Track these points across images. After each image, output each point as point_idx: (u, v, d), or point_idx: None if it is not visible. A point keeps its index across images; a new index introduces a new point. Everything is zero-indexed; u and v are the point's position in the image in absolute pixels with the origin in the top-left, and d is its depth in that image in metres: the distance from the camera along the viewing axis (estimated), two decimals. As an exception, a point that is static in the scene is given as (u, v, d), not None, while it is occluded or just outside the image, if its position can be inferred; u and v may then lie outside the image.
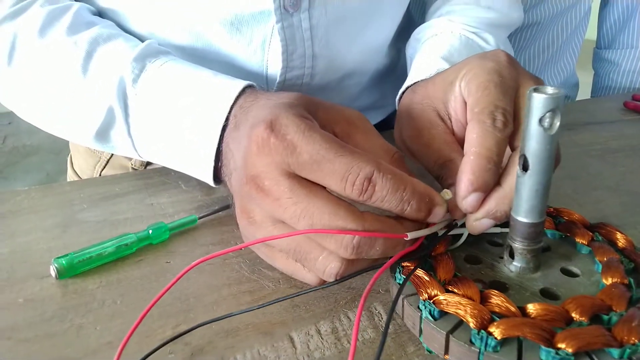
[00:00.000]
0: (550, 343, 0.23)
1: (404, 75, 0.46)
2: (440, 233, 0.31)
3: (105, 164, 0.61)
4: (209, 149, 0.35)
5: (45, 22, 0.42)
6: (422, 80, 0.40)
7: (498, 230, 0.31)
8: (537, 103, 0.24)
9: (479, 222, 0.29)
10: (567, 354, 0.22)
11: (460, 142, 0.34)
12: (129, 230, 0.39)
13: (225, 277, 0.35)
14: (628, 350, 0.22)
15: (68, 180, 0.68)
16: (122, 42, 0.42)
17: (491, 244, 0.31)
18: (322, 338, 0.30)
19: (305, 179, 0.28)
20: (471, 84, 0.32)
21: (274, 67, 0.47)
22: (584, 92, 0.92)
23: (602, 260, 0.28)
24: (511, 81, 0.32)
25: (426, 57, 0.44)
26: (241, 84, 0.36)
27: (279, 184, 0.28)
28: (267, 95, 0.34)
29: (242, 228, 0.32)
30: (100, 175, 0.62)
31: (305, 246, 0.28)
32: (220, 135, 0.35)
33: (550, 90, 0.24)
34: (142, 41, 0.44)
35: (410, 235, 0.28)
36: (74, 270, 0.35)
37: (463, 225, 0.31)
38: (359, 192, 0.27)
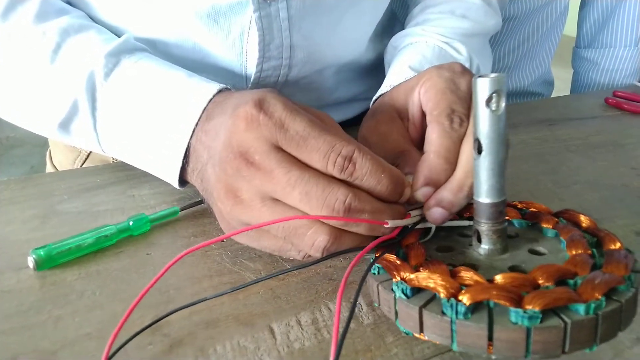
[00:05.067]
0: (519, 304, 0.23)
1: None
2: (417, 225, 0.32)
3: (86, 159, 0.60)
4: (179, 144, 0.35)
5: (8, 5, 0.41)
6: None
7: (466, 223, 0.32)
8: (482, 86, 0.26)
9: (431, 210, 0.31)
10: (534, 312, 0.23)
11: (414, 142, 0.37)
12: (109, 221, 0.38)
13: (207, 269, 0.35)
14: (593, 305, 0.23)
15: (49, 172, 0.67)
16: (95, 35, 0.41)
17: (462, 235, 0.32)
18: (302, 329, 0.30)
19: (292, 155, 0.29)
20: (430, 91, 0.35)
21: (253, 58, 0.47)
22: (564, 89, 0.94)
23: (565, 239, 0.29)
24: (466, 88, 0.35)
25: (399, 66, 0.46)
26: (217, 85, 0.36)
27: (269, 157, 0.28)
28: (241, 91, 0.35)
29: (226, 213, 0.31)
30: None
31: (294, 221, 0.29)
32: (193, 130, 0.35)
33: (492, 74, 0.26)
34: (114, 33, 0.43)
35: (390, 224, 0.29)
36: (53, 261, 0.34)
37: None
38: (340, 169, 0.28)
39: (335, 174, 0.28)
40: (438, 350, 0.28)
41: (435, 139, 0.32)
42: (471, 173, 0.29)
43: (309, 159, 0.28)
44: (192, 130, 0.35)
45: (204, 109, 0.35)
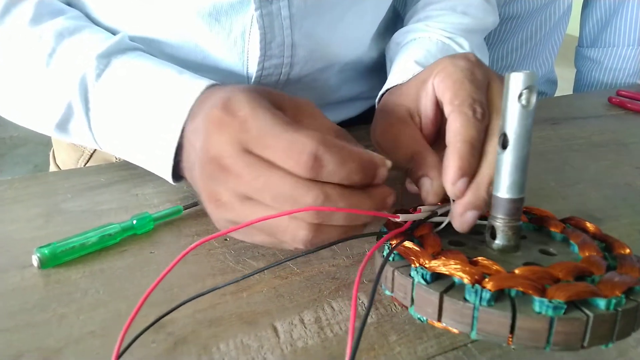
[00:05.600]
0: (543, 295, 0.23)
1: None
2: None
3: (89, 158, 0.60)
4: (170, 144, 0.35)
5: (4, 9, 0.41)
6: (399, 84, 0.42)
7: (477, 221, 0.32)
8: (515, 81, 0.26)
9: (464, 216, 0.30)
10: (560, 302, 0.23)
11: (428, 139, 0.36)
12: (113, 220, 0.38)
13: (210, 267, 0.35)
14: (614, 301, 0.23)
15: (53, 171, 0.67)
16: (88, 36, 0.41)
17: (472, 233, 0.32)
18: (305, 327, 0.30)
19: (261, 156, 0.28)
20: (446, 80, 0.33)
21: (254, 57, 0.47)
22: (568, 88, 0.93)
23: (576, 242, 0.29)
24: (482, 78, 0.34)
25: (404, 61, 0.46)
26: (204, 82, 0.36)
27: (237, 160, 0.28)
28: (225, 86, 0.34)
29: (211, 214, 0.32)
30: None
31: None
32: (182, 129, 0.35)
33: (525, 71, 0.26)
34: (114, 34, 0.43)
35: (402, 218, 0.29)
36: (57, 260, 0.34)
37: (445, 214, 0.32)
38: (305, 169, 0.27)
39: (303, 174, 0.27)
40: (442, 349, 0.28)
41: (458, 128, 0.31)
42: None
43: (274, 160, 0.28)
44: (180, 129, 0.35)
45: (191, 108, 0.35)
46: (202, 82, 0.36)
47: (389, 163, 0.29)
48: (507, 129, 0.27)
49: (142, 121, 0.37)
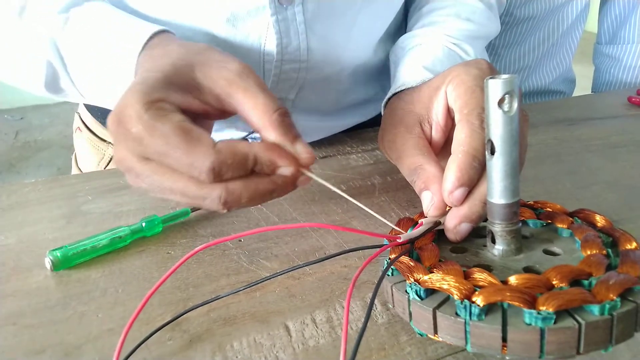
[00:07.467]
0: (532, 306, 0.23)
1: None
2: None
3: (109, 161, 0.62)
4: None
5: None
6: (408, 88, 0.42)
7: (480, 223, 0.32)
8: (494, 87, 0.26)
9: (458, 228, 0.30)
10: (548, 314, 0.23)
11: (438, 147, 0.36)
12: (132, 221, 0.40)
13: (224, 268, 0.36)
14: (607, 306, 0.23)
15: (75, 174, 0.69)
16: None
17: (477, 236, 0.32)
18: (317, 327, 0.30)
19: None
20: (459, 88, 0.34)
21: (271, 61, 0.47)
22: (589, 86, 0.92)
23: (580, 239, 0.29)
24: None
25: (411, 66, 0.46)
26: (151, 29, 0.37)
27: (141, 168, 0.30)
28: (162, 51, 0.35)
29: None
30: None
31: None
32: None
33: (505, 76, 0.26)
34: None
35: (403, 237, 0.30)
36: (69, 262, 0.35)
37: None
38: (206, 180, 0.28)
39: (205, 182, 0.29)
40: (452, 350, 0.29)
41: (463, 138, 0.31)
42: None
43: (177, 169, 0.29)
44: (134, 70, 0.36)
45: (143, 47, 0.36)
46: (150, 28, 0.37)
47: (290, 168, 0.30)
48: (492, 136, 0.27)
49: (103, 66, 0.39)
